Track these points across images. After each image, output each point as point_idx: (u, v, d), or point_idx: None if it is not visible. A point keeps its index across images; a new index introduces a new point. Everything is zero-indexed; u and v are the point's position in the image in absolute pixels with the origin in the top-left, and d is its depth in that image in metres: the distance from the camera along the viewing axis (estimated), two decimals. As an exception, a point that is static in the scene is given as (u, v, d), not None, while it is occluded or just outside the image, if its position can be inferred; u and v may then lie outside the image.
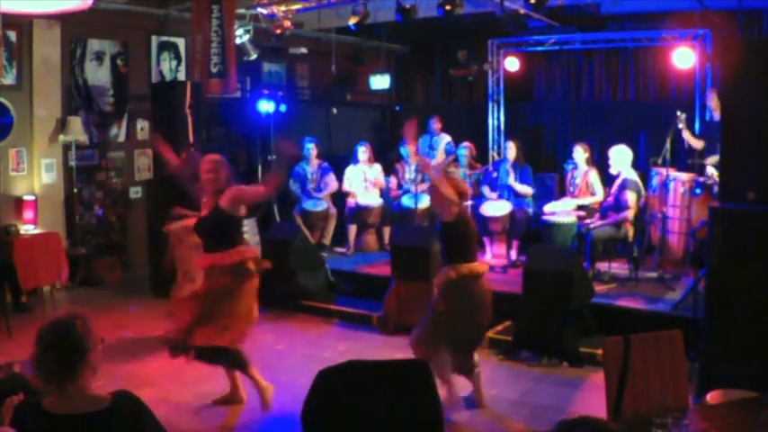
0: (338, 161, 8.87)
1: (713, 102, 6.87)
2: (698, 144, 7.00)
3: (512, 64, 9.71)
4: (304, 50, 10.32)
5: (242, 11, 8.18)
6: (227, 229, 4.41)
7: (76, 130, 7.78)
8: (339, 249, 8.42)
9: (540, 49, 9.44)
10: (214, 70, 7.70)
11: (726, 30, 7.95)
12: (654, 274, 6.69)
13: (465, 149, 8.47)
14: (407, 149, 8.61)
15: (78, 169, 7.98)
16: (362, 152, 8.51)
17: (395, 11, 7.32)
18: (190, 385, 5.10)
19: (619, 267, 6.99)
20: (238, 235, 4.58)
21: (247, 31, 8.36)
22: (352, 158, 8.66)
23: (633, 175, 6.79)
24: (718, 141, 6.31)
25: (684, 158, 7.31)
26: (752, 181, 4.34)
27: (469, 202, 7.58)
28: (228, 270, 4.34)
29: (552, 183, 8.81)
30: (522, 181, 7.82)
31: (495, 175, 8.03)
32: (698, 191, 6.60)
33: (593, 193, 7.34)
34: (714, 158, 6.44)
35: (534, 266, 5.69)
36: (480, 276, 4.43)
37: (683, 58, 8.07)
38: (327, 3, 7.88)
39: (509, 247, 7.70)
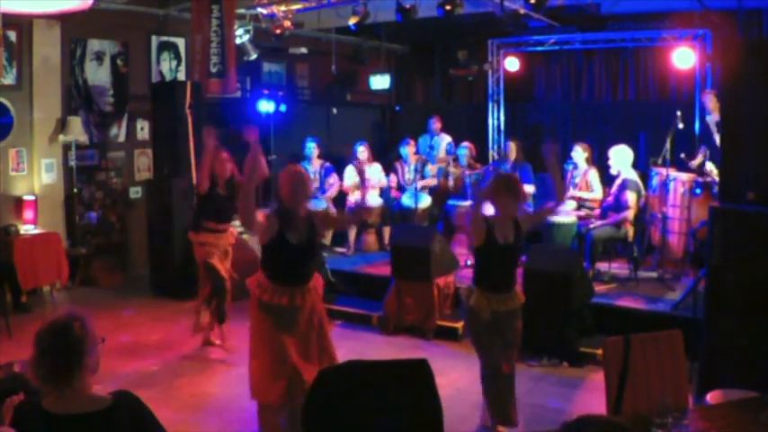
0: (338, 161, 8.86)
1: (711, 103, 6.88)
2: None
3: (512, 64, 9.71)
4: (304, 50, 10.32)
5: (242, 11, 8.18)
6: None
7: (76, 130, 7.78)
8: (339, 249, 8.42)
9: (540, 49, 9.45)
10: (214, 70, 7.70)
11: (726, 30, 7.95)
12: (654, 274, 6.69)
13: (465, 149, 8.47)
14: (407, 149, 8.62)
15: (78, 169, 7.98)
16: (361, 152, 8.50)
17: (395, 11, 7.33)
18: (190, 385, 5.11)
19: (619, 267, 7.00)
20: None
21: (247, 31, 8.36)
22: (351, 158, 8.65)
23: (633, 175, 6.79)
24: (714, 142, 6.39)
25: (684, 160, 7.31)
26: (752, 181, 4.33)
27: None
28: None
29: (552, 183, 8.78)
30: (522, 179, 7.80)
31: (495, 175, 8.02)
32: (698, 191, 6.60)
33: (591, 192, 7.34)
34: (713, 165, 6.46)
35: (534, 266, 5.68)
36: None
37: (683, 58, 8.07)
38: (327, 3, 7.88)
39: (509, 247, 7.67)
